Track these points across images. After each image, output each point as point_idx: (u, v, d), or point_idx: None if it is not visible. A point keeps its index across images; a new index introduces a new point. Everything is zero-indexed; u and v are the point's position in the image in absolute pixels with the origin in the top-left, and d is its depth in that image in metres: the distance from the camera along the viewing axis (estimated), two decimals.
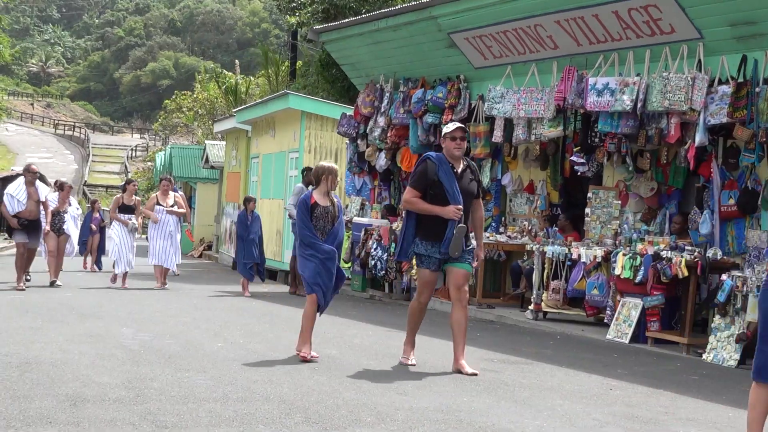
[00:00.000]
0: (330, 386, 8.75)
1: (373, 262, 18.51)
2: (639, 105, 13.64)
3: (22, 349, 10.07)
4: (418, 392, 8.67)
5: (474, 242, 10.19)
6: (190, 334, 12.04)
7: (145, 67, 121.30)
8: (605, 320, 14.18)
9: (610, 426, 7.68)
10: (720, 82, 13.08)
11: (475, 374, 9.68)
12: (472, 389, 8.98)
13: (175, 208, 19.31)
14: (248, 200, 19.45)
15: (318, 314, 10.63)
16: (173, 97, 65.94)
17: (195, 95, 58.24)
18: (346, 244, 20.01)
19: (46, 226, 18.15)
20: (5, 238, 20.70)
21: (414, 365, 10.09)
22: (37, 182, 17.87)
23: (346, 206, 21.98)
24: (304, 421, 7.21)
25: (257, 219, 19.30)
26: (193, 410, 7.39)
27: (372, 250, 18.56)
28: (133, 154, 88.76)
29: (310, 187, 10.86)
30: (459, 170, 9.94)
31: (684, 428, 7.80)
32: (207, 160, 37.13)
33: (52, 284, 18.29)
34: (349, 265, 20.02)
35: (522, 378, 9.83)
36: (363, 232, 19.07)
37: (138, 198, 19.97)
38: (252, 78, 54.22)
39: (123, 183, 21.11)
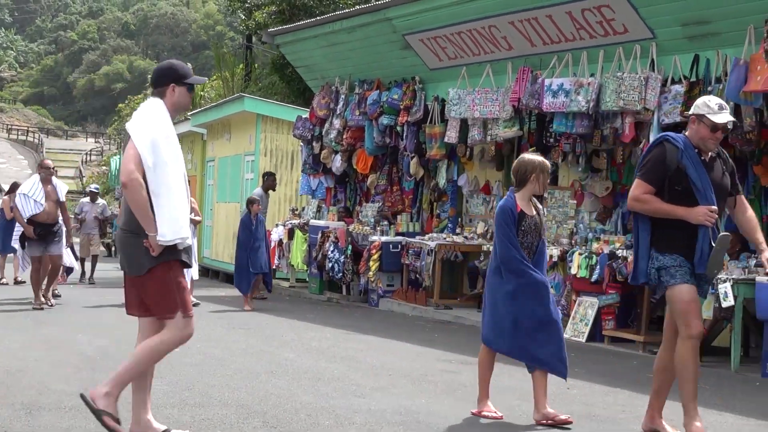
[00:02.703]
0: (288, 390, 8.73)
1: (330, 265, 18.49)
2: (592, 105, 13.70)
3: None
4: (377, 395, 8.67)
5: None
6: None
7: (99, 70, 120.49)
8: None
9: (567, 425, 7.71)
10: (673, 82, 13.17)
11: None
12: (430, 391, 8.99)
13: (192, 215, 17.63)
14: (251, 202, 17.23)
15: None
16: (127, 101, 65.55)
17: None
18: (304, 246, 19.99)
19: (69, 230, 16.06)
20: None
21: None
22: (54, 179, 15.50)
23: (302, 208, 21.93)
24: (262, 425, 7.19)
25: (262, 223, 17.37)
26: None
27: (329, 252, 18.53)
28: (88, 159, 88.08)
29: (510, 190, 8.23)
30: (707, 158, 7.32)
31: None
32: None
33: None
34: (307, 267, 20.02)
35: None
36: (320, 235, 19.04)
37: None
38: (207, 81, 53.97)
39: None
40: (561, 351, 7.86)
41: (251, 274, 16.85)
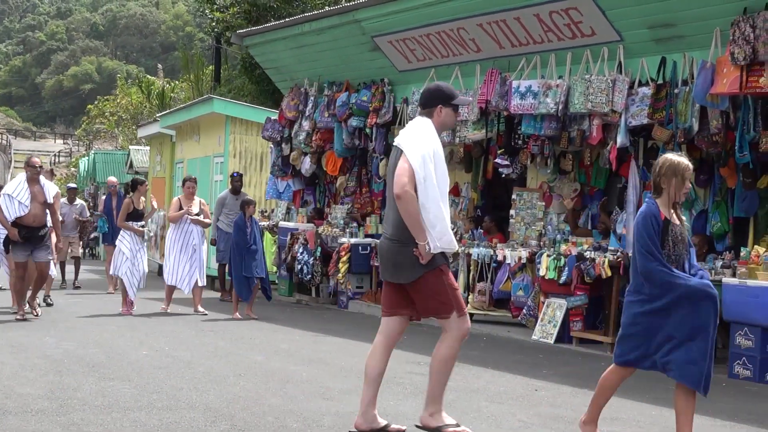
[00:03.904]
0: (256, 393, 8.72)
1: (299, 267, 18.46)
2: (560, 107, 13.76)
3: None
4: (345, 397, 8.67)
5: None
6: (115, 343, 11.93)
7: (68, 71, 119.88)
8: (519, 318, 14.32)
9: (535, 427, 7.75)
10: (640, 84, 13.24)
11: None
12: (398, 393, 9.00)
13: (201, 217, 16.35)
14: (247, 203, 16.11)
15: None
16: (96, 102, 65.23)
17: (118, 100, 57.67)
18: (273, 248, 19.94)
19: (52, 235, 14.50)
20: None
21: None
22: (42, 179, 14.32)
23: (272, 210, 21.88)
24: (229, 428, 7.18)
25: (257, 226, 16.42)
26: (117, 420, 7.33)
27: (298, 254, 18.51)
28: (57, 160, 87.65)
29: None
30: None
31: (608, 427, 7.89)
32: (131, 166, 36.82)
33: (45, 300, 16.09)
34: (276, 270, 19.99)
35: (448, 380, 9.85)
36: (289, 237, 19.02)
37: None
38: (177, 82, 53.81)
39: (130, 182, 16.73)
40: (705, 366, 6.80)
41: (249, 279, 15.81)
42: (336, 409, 8.09)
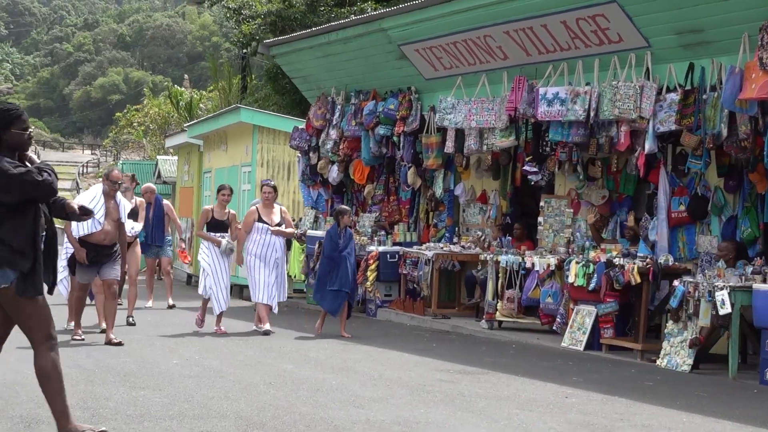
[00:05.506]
0: (286, 401, 8.73)
1: None
2: (592, 114, 13.73)
3: None
4: (375, 405, 8.67)
5: None
6: (145, 352, 11.97)
7: (95, 82, 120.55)
8: (554, 327, 14.26)
9: None
10: (668, 90, 13.20)
11: None
12: (428, 401, 8.99)
13: (283, 227, 14.88)
14: (342, 213, 14.74)
15: None
16: (124, 111, 65.59)
17: (146, 111, 57.95)
18: (301, 258, 19.96)
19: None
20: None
21: None
22: (119, 195, 13.12)
23: (300, 219, 21.92)
24: None
25: (351, 237, 14.83)
26: (149, 429, 7.36)
27: None
28: (85, 171, 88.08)
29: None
30: None
31: None
32: (159, 175, 36.96)
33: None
34: (305, 278, 20.00)
35: (478, 388, 9.86)
36: (317, 245, 19.02)
37: (233, 211, 15.24)
38: (204, 92, 54.02)
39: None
40: None
41: (338, 293, 14.52)
42: (367, 416, 8.10)
